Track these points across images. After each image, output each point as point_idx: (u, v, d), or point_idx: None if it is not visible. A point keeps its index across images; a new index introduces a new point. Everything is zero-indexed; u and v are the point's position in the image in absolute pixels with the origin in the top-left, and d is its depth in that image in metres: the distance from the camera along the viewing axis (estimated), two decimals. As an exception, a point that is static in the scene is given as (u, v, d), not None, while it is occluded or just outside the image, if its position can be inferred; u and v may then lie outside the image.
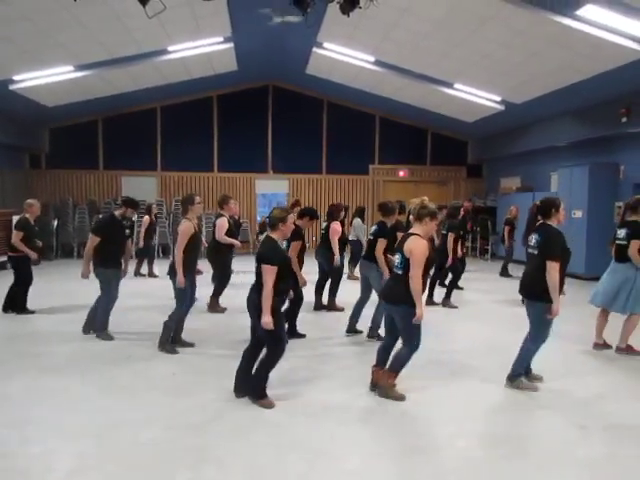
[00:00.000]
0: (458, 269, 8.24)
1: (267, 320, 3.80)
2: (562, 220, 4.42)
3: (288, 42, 11.42)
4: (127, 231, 6.14)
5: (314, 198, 15.46)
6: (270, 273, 3.83)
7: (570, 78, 9.51)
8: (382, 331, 4.82)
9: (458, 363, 5.14)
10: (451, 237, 7.85)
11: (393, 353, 4.24)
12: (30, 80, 10.65)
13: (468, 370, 4.94)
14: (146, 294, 8.40)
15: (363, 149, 15.80)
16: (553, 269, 4.13)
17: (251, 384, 4.08)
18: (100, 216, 6.23)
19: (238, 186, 15.44)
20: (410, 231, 4.16)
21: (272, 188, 15.83)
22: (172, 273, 5.28)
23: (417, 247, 3.94)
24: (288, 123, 15.31)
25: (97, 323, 5.94)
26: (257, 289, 3.94)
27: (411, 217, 4.37)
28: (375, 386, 4.29)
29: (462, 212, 8.84)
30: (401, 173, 16.03)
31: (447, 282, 8.26)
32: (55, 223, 13.61)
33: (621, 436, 3.62)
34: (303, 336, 5.98)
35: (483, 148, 15.63)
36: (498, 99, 11.88)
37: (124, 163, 14.87)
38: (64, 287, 9.13)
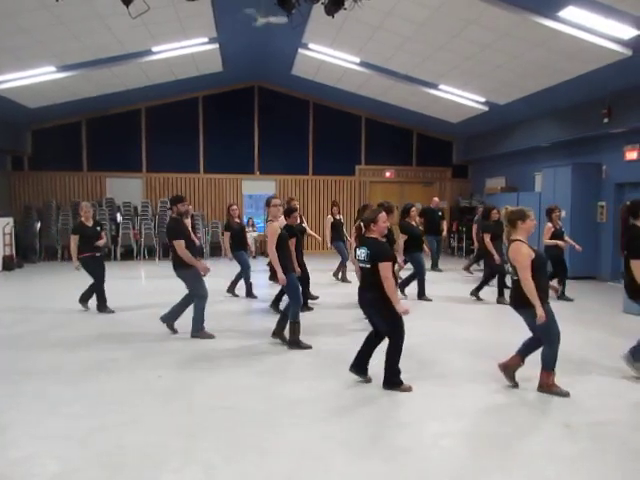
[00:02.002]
0: (503, 268, 8.24)
1: (402, 309, 4.20)
2: None
3: (273, 43, 11.40)
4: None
5: (301, 199, 15.43)
6: (388, 269, 4.18)
7: (552, 79, 9.63)
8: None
9: (444, 363, 5.17)
10: (487, 237, 8.02)
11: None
12: (11, 81, 10.50)
13: (454, 370, 4.97)
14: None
15: (349, 150, 15.83)
16: (636, 267, 4.37)
17: (385, 376, 4.40)
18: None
19: (225, 187, 15.39)
20: (511, 237, 4.31)
21: (259, 189, 15.79)
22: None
23: (517, 254, 4.15)
24: (274, 124, 15.30)
25: (194, 323, 6.03)
26: (369, 288, 4.29)
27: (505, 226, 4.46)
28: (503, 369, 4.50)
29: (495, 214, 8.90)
30: (387, 174, 16.09)
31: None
32: (38, 225, 13.45)
33: (605, 433, 3.66)
34: (311, 309, 7.28)
35: (468, 149, 15.75)
36: (482, 100, 11.98)
37: (109, 164, 14.73)
38: (48, 290, 9.03)
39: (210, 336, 5.95)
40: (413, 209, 8.37)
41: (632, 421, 3.87)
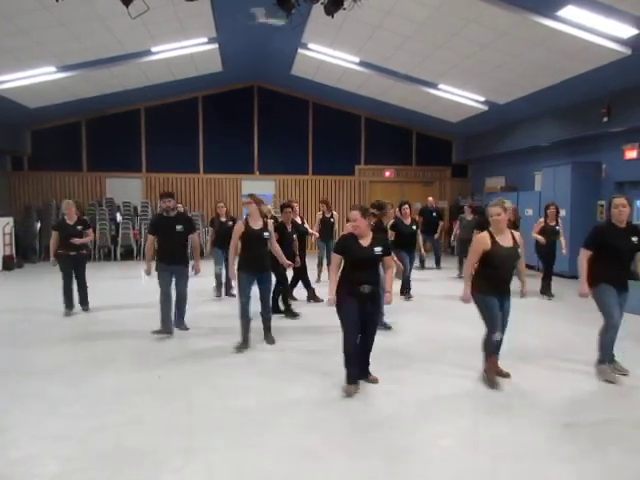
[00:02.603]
0: None
1: (328, 299, 4.39)
2: (615, 216, 4.64)
3: (273, 43, 11.40)
4: (179, 227, 6.09)
5: (301, 199, 15.42)
6: (331, 262, 4.49)
7: (552, 79, 9.63)
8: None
9: (444, 362, 5.17)
10: (476, 233, 8.12)
11: None
12: (11, 81, 10.50)
13: (455, 369, 4.97)
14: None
15: (349, 150, 15.81)
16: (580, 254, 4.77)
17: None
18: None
19: (224, 187, 15.38)
20: None
21: (259, 189, 15.72)
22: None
23: (473, 240, 4.69)
24: (274, 124, 15.29)
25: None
26: None
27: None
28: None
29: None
30: (387, 173, 16.08)
31: None
32: (38, 225, 13.45)
33: (605, 433, 3.66)
34: (297, 315, 7.06)
35: (468, 148, 15.74)
36: (481, 99, 11.97)
37: (108, 164, 14.72)
38: (48, 290, 9.02)
39: (166, 331, 5.98)
40: (405, 206, 8.38)
41: (632, 420, 3.86)
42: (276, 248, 5.90)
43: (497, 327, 4.42)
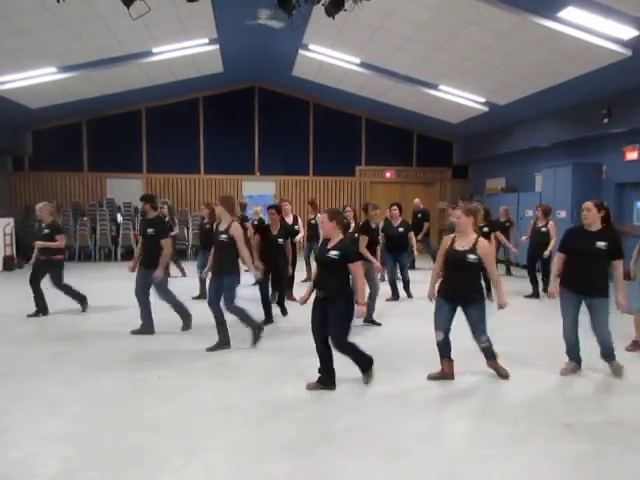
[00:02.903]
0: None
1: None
2: (582, 220, 4.76)
3: (274, 44, 11.41)
4: (150, 230, 6.11)
5: (301, 200, 15.45)
6: None
7: (552, 80, 9.63)
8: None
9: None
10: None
11: None
12: (12, 82, 10.52)
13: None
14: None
15: (350, 150, 15.83)
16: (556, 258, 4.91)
17: None
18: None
19: (225, 188, 15.38)
20: None
21: (259, 190, 15.79)
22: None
23: None
24: (275, 125, 15.30)
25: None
26: None
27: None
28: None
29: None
30: (388, 174, 16.09)
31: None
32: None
33: (605, 433, 3.66)
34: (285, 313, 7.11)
35: (468, 149, 15.74)
36: (482, 100, 11.98)
37: (109, 165, 14.75)
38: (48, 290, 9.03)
39: (141, 331, 6.19)
40: (393, 208, 8.40)
41: (632, 421, 3.86)
42: (243, 252, 5.52)
43: (437, 327, 4.54)
